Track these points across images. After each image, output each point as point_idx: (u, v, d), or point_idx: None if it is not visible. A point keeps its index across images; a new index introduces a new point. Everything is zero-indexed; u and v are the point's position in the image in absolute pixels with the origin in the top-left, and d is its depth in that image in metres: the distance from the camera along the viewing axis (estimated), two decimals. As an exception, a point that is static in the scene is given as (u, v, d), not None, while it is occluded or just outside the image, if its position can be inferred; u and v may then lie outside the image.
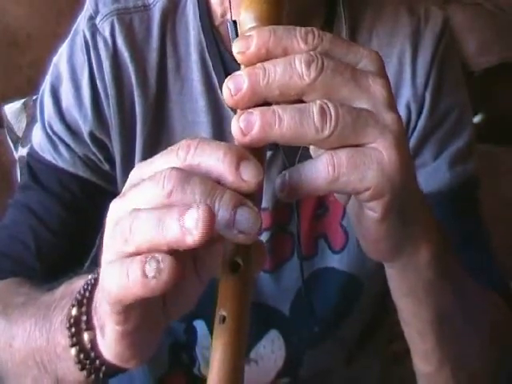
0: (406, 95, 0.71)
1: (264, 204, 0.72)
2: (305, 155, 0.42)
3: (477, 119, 1.74)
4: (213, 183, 0.36)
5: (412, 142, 0.71)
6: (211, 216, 0.34)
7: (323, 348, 0.80)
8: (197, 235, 0.34)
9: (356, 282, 0.76)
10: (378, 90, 0.40)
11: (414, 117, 0.71)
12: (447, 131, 0.72)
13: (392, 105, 0.41)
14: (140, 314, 0.40)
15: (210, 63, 0.70)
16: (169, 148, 0.39)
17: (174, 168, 0.37)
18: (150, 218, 0.35)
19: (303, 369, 0.80)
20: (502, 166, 1.68)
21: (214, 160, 0.37)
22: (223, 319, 0.37)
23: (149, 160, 0.39)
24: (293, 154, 0.69)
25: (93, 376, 0.45)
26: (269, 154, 0.70)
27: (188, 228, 0.34)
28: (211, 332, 0.38)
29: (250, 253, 0.38)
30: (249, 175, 0.37)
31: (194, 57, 0.70)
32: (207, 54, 0.70)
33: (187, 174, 0.36)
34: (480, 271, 0.61)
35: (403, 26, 0.72)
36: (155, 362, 0.82)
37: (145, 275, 0.35)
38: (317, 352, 0.80)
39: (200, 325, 0.77)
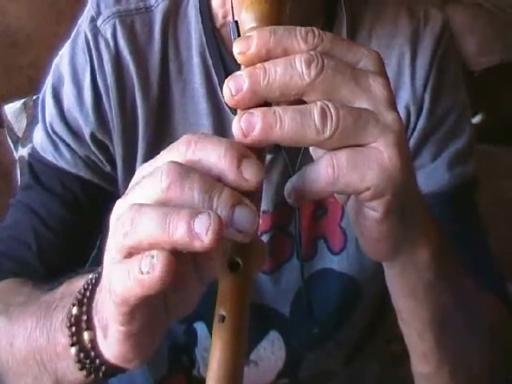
0: (405, 97, 0.71)
1: (265, 206, 0.72)
2: (306, 157, 0.43)
3: (477, 119, 1.74)
4: (212, 180, 0.36)
5: (411, 143, 0.71)
6: (221, 225, 0.34)
7: (323, 349, 0.80)
8: (206, 241, 0.34)
9: (355, 283, 0.75)
10: (378, 89, 0.40)
11: (413, 118, 0.71)
12: (446, 132, 0.72)
13: (392, 104, 0.41)
14: (144, 315, 0.39)
15: (211, 66, 0.70)
16: (170, 145, 0.39)
17: (172, 162, 0.37)
18: (154, 215, 0.35)
19: (303, 370, 0.80)
20: (501, 166, 1.68)
21: (215, 157, 0.37)
22: (223, 318, 0.37)
23: (151, 160, 0.40)
24: (294, 156, 0.69)
25: (92, 376, 0.45)
26: (270, 156, 0.70)
27: (197, 233, 0.34)
28: (211, 334, 0.38)
29: (250, 252, 0.38)
30: (250, 174, 0.37)
31: (195, 59, 0.70)
32: (208, 57, 0.70)
33: (186, 169, 0.36)
34: (478, 273, 0.61)
35: (403, 27, 0.72)
36: (155, 364, 0.81)
37: (140, 272, 0.35)
38: (316, 353, 0.80)
39: (200, 326, 0.77)
